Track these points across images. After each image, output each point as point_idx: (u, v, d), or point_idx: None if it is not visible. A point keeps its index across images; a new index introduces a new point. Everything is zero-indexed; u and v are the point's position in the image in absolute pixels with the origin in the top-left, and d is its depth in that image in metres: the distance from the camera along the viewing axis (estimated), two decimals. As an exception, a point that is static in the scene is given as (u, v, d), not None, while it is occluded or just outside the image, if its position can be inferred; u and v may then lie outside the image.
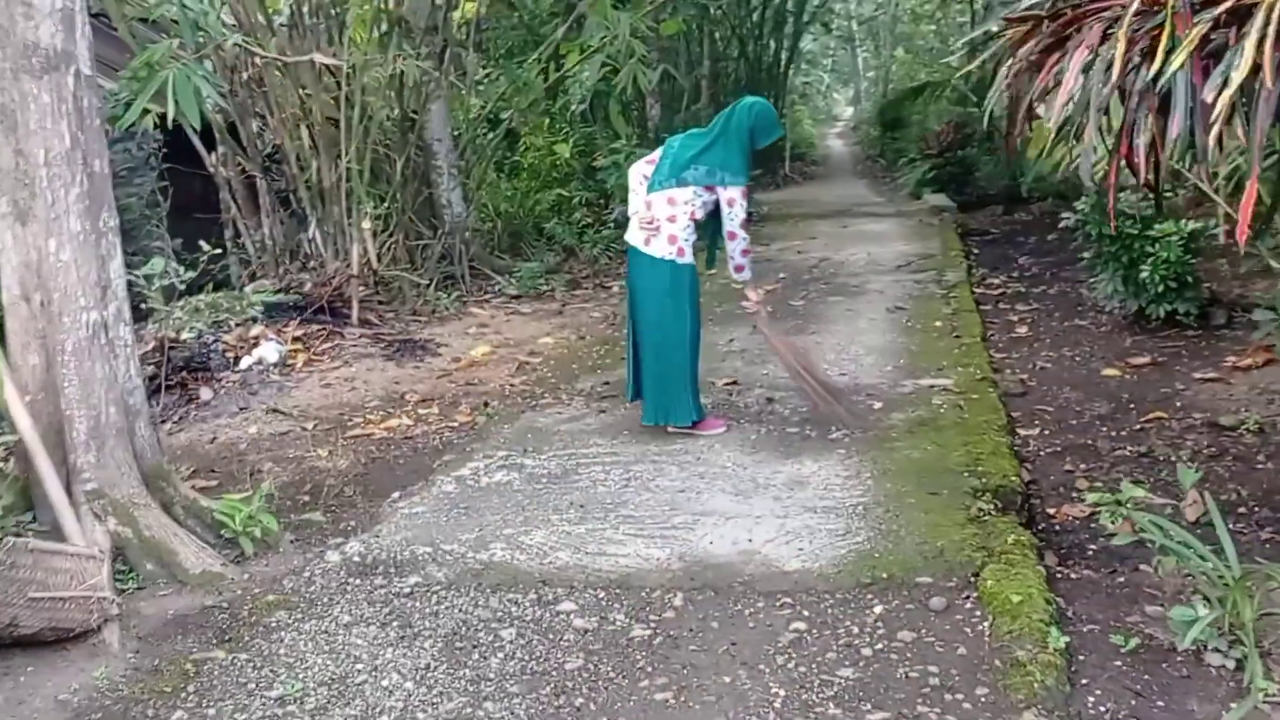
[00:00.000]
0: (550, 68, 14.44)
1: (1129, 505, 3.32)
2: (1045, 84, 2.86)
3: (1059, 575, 3.76)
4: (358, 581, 3.84)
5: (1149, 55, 2.56)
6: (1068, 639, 3.12)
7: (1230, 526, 4.07)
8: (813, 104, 35.86)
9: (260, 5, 8.40)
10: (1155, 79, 2.53)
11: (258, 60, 8.21)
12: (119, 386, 4.01)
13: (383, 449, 5.75)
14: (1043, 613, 3.23)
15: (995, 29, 3.39)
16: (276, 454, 5.75)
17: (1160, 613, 3.31)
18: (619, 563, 3.81)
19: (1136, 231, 6.73)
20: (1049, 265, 10.08)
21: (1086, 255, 7.41)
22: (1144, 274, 6.68)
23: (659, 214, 5.22)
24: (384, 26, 9.75)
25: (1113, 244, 6.84)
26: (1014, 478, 4.47)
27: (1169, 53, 2.49)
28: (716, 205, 5.23)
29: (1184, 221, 6.63)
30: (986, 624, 3.27)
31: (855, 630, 3.30)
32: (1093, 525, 4.30)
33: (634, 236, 5.35)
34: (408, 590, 3.73)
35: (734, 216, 5.20)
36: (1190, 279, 6.75)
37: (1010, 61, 3.15)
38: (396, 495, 4.77)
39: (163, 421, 6.45)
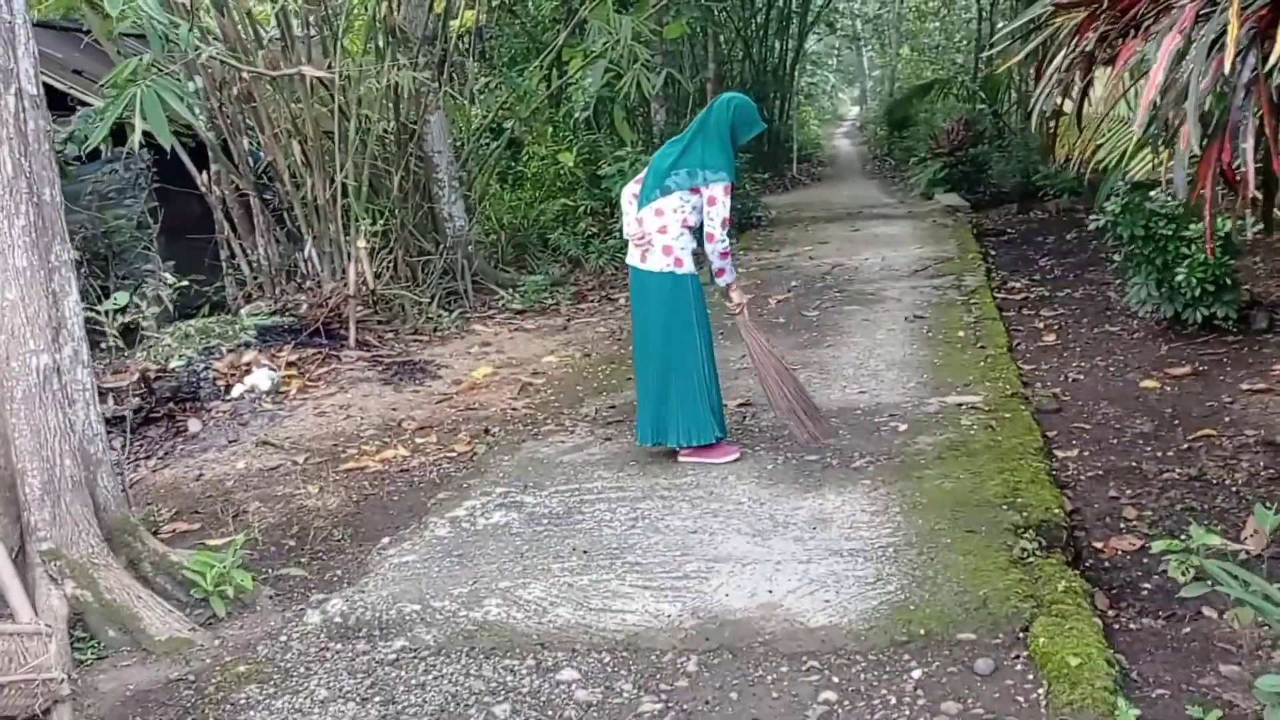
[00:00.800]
0: (553, 75, 14.13)
1: (1201, 552, 2.95)
2: (1118, 78, 2.47)
3: (1115, 625, 3.39)
4: (339, 647, 3.49)
5: (1259, 38, 2.17)
6: (1137, 712, 2.74)
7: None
8: (818, 104, 35.47)
9: (247, 18, 8.08)
10: (1269, 69, 2.13)
11: (245, 75, 7.88)
12: (76, 435, 3.68)
13: (376, 484, 5.41)
14: (1105, 678, 2.86)
15: (1037, 15, 3.00)
16: (264, 492, 5.41)
17: (1238, 673, 2.94)
18: (625, 621, 3.45)
19: (1170, 232, 6.35)
20: (1071, 266, 9.69)
21: (1116, 258, 7.02)
22: (1179, 277, 6.29)
23: (650, 228, 4.94)
24: (379, 38, 9.41)
25: (1145, 246, 6.45)
26: (1057, 510, 4.09)
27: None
28: None
29: (1221, 220, 6.24)
30: (1041, 691, 2.90)
31: (892, 701, 2.93)
32: (1145, 560, 3.94)
33: (632, 257, 5.10)
34: (392, 657, 3.37)
35: (713, 216, 4.88)
36: (1229, 281, 6.36)
37: (1065, 53, 2.76)
38: (386, 540, 4.42)
39: (147, 457, 6.14)
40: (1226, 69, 2.05)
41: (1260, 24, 2.19)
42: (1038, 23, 3.02)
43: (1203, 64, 2.17)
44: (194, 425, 6.46)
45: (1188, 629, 3.32)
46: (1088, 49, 2.66)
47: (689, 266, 4.99)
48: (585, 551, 3.99)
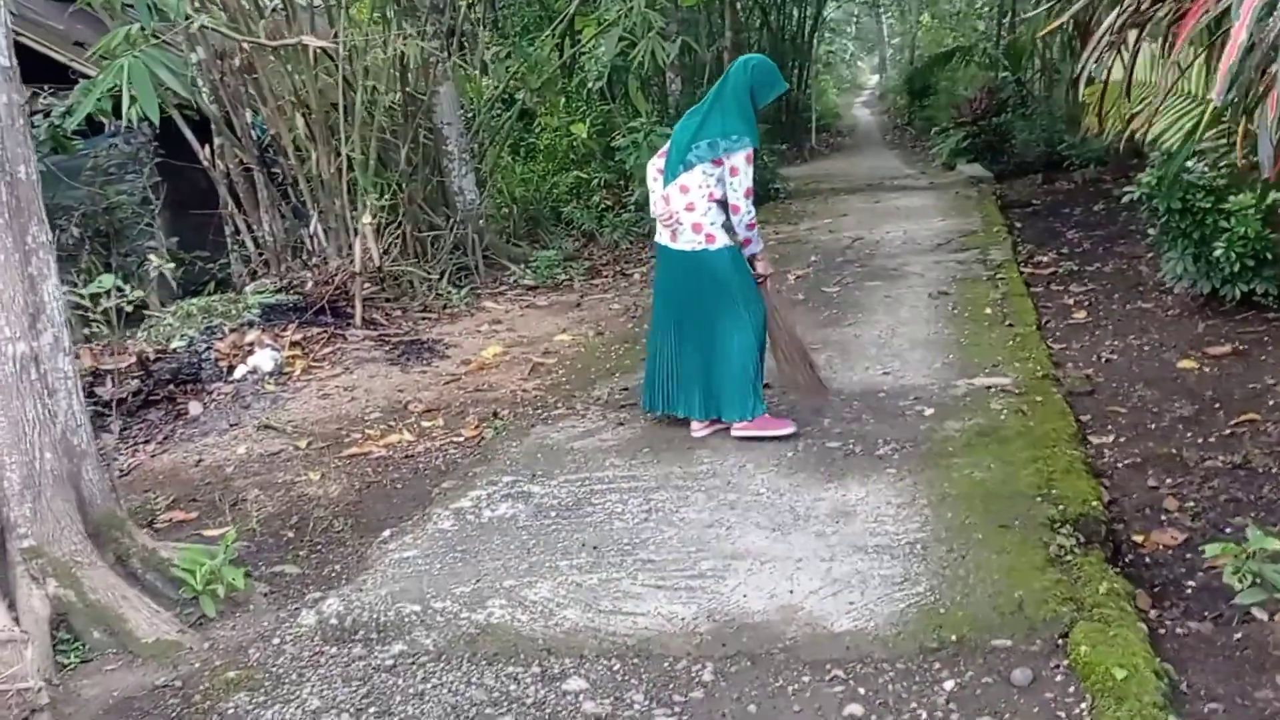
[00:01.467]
0: (565, 44, 13.83)
1: (1259, 557, 2.72)
2: (1184, 34, 2.19)
3: (1160, 630, 3.17)
4: (334, 651, 3.30)
5: None
6: (1192, 732, 2.53)
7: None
8: (837, 73, 35.02)
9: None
10: None
11: (245, 45, 7.65)
12: (58, 427, 3.48)
13: (380, 470, 5.22)
14: (1154, 692, 2.64)
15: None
16: (264, 478, 5.23)
17: (1298, 687, 2.71)
18: (637, 624, 3.24)
19: (1209, 205, 6.06)
20: (1100, 239, 9.38)
21: (1150, 232, 6.73)
22: (1218, 251, 6.01)
23: (676, 206, 4.73)
24: (386, 7, 9.14)
25: (1182, 219, 6.16)
26: (1095, 502, 3.85)
27: None
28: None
29: (1265, 191, 5.94)
30: (1084, 706, 2.68)
31: (923, 715, 2.72)
32: (1188, 556, 3.71)
33: (661, 236, 4.89)
34: (390, 663, 3.18)
35: (735, 186, 4.66)
36: (1269, 255, 6.07)
37: (1117, 12, 2.49)
38: (388, 533, 4.22)
39: (146, 441, 5.97)
40: None
41: None
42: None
43: (1300, 18, 1.91)
44: (195, 408, 6.28)
45: (1239, 634, 3.09)
46: (1143, 7, 2.40)
47: (722, 240, 4.77)
48: (595, 547, 3.78)
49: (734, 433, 4.82)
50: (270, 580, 3.95)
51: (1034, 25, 12.39)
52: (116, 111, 6.43)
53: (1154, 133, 5.55)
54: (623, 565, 3.62)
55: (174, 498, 5.11)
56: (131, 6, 7.95)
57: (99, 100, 4.79)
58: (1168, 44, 2.38)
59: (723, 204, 4.73)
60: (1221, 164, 6.03)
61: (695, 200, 4.69)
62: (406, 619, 3.39)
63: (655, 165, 4.92)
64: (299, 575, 4.02)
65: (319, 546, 4.35)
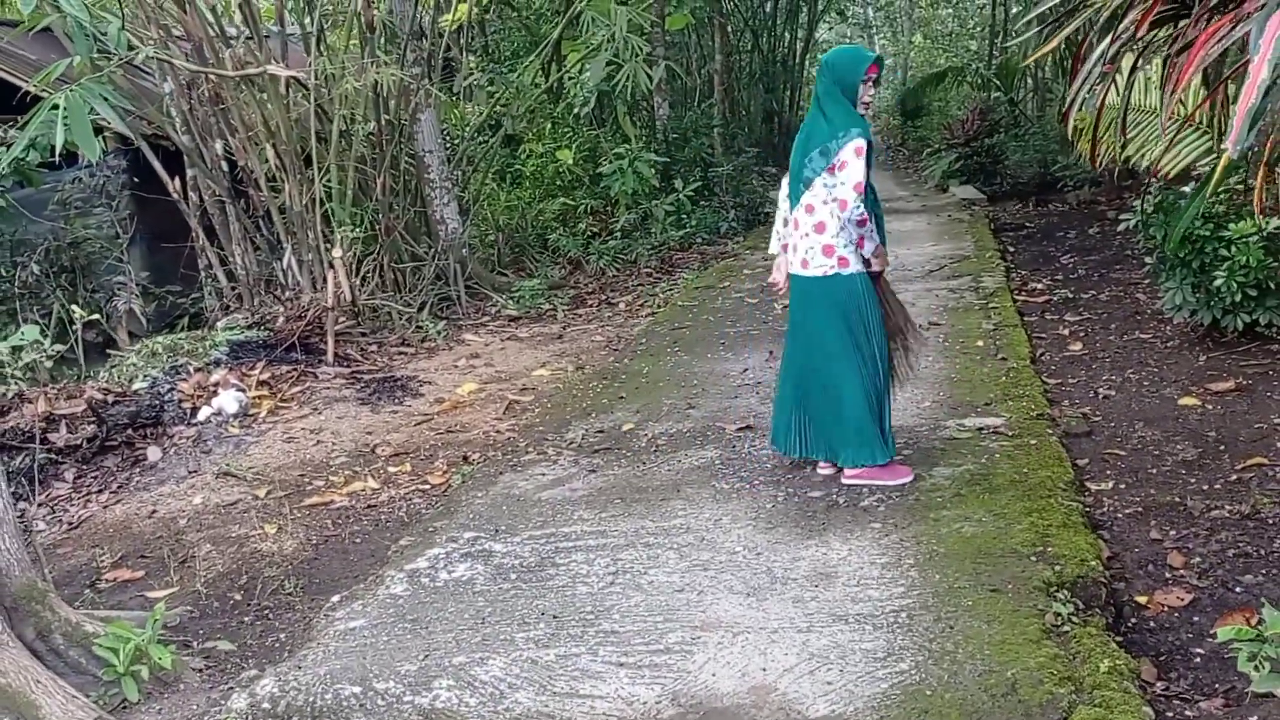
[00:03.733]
0: (551, 69, 13.63)
1: (1276, 641, 2.46)
2: (1191, 66, 1.93)
3: (1169, 712, 2.89)
4: (264, 740, 3.02)
5: None
6: None
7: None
8: (831, 94, 34.74)
9: (209, 15, 7.60)
10: None
11: (211, 76, 7.41)
12: (-32, 494, 3.21)
13: (340, 523, 4.94)
14: (1163, 796, 2.36)
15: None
16: (218, 532, 4.95)
17: (1323, 787, 2.43)
18: (595, 709, 2.95)
19: (1208, 233, 5.81)
20: (1096, 265, 9.16)
21: (1148, 260, 6.49)
22: (1218, 281, 5.76)
23: (806, 227, 4.38)
24: (360, 34, 8.91)
25: (1181, 248, 5.92)
26: (1094, 561, 3.58)
27: None
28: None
29: (1265, 219, 5.70)
30: (1085, 811, 2.40)
31: (906, 822, 2.44)
32: (1195, 619, 3.43)
33: (792, 264, 4.51)
34: (321, 758, 2.91)
35: (844, 180, 4.22)
36: (1272, 284, 5.82)
37: (1110, 39, 2.23)
38: (336, 599, 3.93)
39: (99, 491, 5.69)
40: None
41: None
42: (1070, 5, 2.50)
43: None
44: (153, 454, 6.01)
45: (1255, 717, 2.82)
46: (1139, 35, 2.14)
47: (855, 265, 4.37)
48: (555, 616, 3.50)
49: (845, 479, 4.45)
50: (206, 654, 3.67)
51: (1026, 46, 12.21)
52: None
53: (1149, 159, 5.31)
54: (583, 638, 3.34)
55: (122, 553, 4.84)
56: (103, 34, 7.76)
57: (35, 139, 4.53)
58: (1169, 73, 2.12)
59: (860, 219, 4.28)
60: (1221, 190, 5.79)
61: (824, 219, 4.33)
62: (345, 703, 3.11)
63: (783, 192, 4.60)
64: (238, 648, 3.72)
65: (266, 612, 4.07)
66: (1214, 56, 1.89)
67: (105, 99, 4.29)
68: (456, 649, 3.35)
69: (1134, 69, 2.39)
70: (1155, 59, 2.72)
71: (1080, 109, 2.41)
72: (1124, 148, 5.24)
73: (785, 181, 4.60)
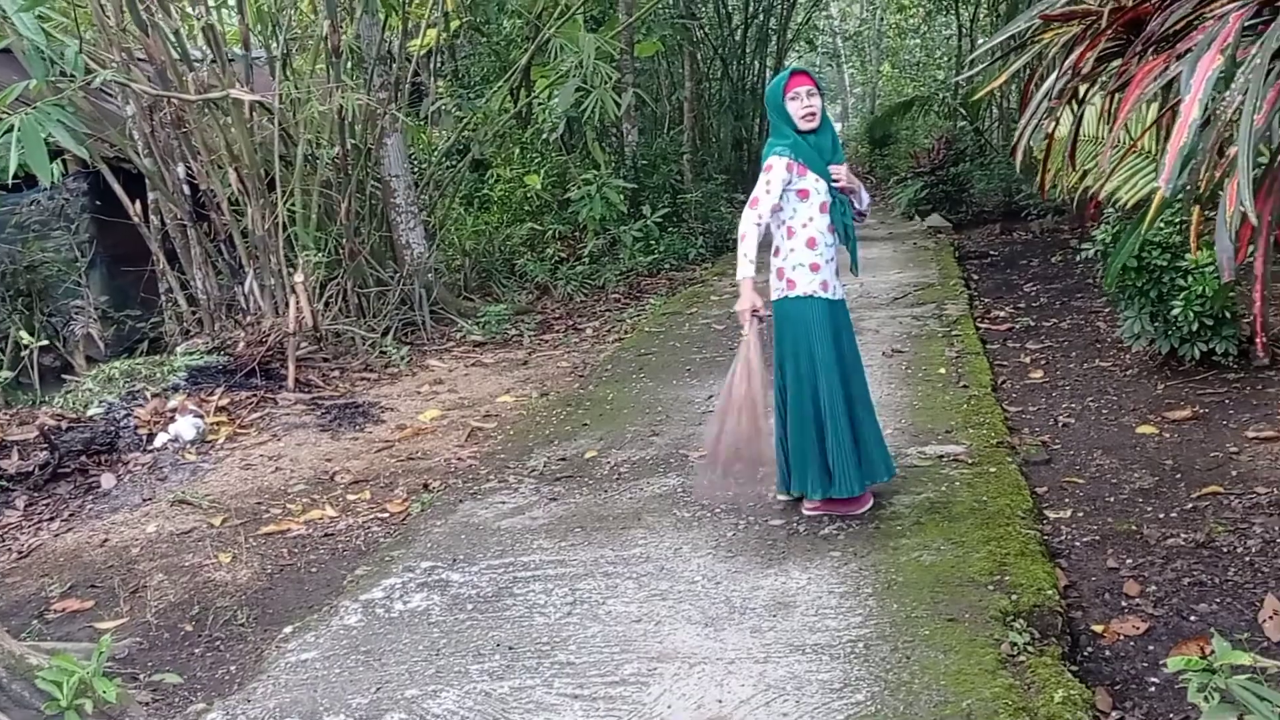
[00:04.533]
0: (520, 95, 13.66)
1: (1225, 672, 2.46)
2: (1128, 105, 1.94)
3: (1123, 742, 2.89)
4: (208, 778, 2.95)
5: None
6: None
7: (1328, 650, 3.23)
8: (799, 122, 35.01)
9: (172, 39, 7.55)
10: None
11: (173, 99, 7.36)
12: (-93, 524, 3.13)
13: (296, 552, 4.87)
14: (1115, 829, 2.35)
15: (1021, 30, 2.49)
16: (171, 561, 4.86)
17: (1274, 817, 2.42)
18: (547, 743, 2.92)
19: (1165, 263, 5.88)
20: (1058, 293, 9.25)
21: (1108, 289, 6.55)
22: (1175, 310, 5.82)
23: (771, 255, 4.34)
24: (326, 58, 8.89)
25: (1138, 277, 5.98)
26: (1050, 590, 3.58)
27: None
28: (822, 201, 4.27)
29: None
30: (1038, 845, 2.39)
31: None
32: (1151, 648, 3.44)
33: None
34: (268, 794, 2.84)
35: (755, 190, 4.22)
36: (1228, 314, 5.89)
37: (1056, 75, 2.25)
38: (289, 630, 3.87)
39: (51, 519, 5.59)
40: None
41: None
42: (1022, 39, 2.53)
43: (1259, 92, 1.64)
44: (107, 481, 5.91)
45: (1208, 747, 2.81)
46: (1084, 70, 2.16)
47: (805, 287, 4.25)
48: (511, 648, 3.46)
49: (804, 510, 4.37)
50: (153, 688, 3.59)
51: (989, 76, 12.38)
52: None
53: (1108, 190, 5.37)
54: (539, 670, 3.29)
55: (72, 583, 4.74)
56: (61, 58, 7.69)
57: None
58: (1113, 107, 2.14)
59: (807, 240, 4.26)
60: (1176, 220, 5.86)
61: (778, 242, 4.30)
62: (293, 738, 3.05)
63: None
64: (187, 680, 3.65)
65: (217, 643, 4.00)
66: (1150, 94, 1.91)
67: (61, 122, 4.24)
68: (409, 681, 3.30)
69: (1083, 102, 2.41)
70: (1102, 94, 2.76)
71: (1029, 143, 2.42)
72: (1082, 179, 5.29)
73: None
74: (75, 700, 3.22)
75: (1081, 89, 2.57)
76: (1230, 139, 1.67)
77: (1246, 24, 1.74)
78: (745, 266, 4.15)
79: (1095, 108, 3.07)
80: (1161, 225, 5.86)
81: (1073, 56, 2.16)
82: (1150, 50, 1.98)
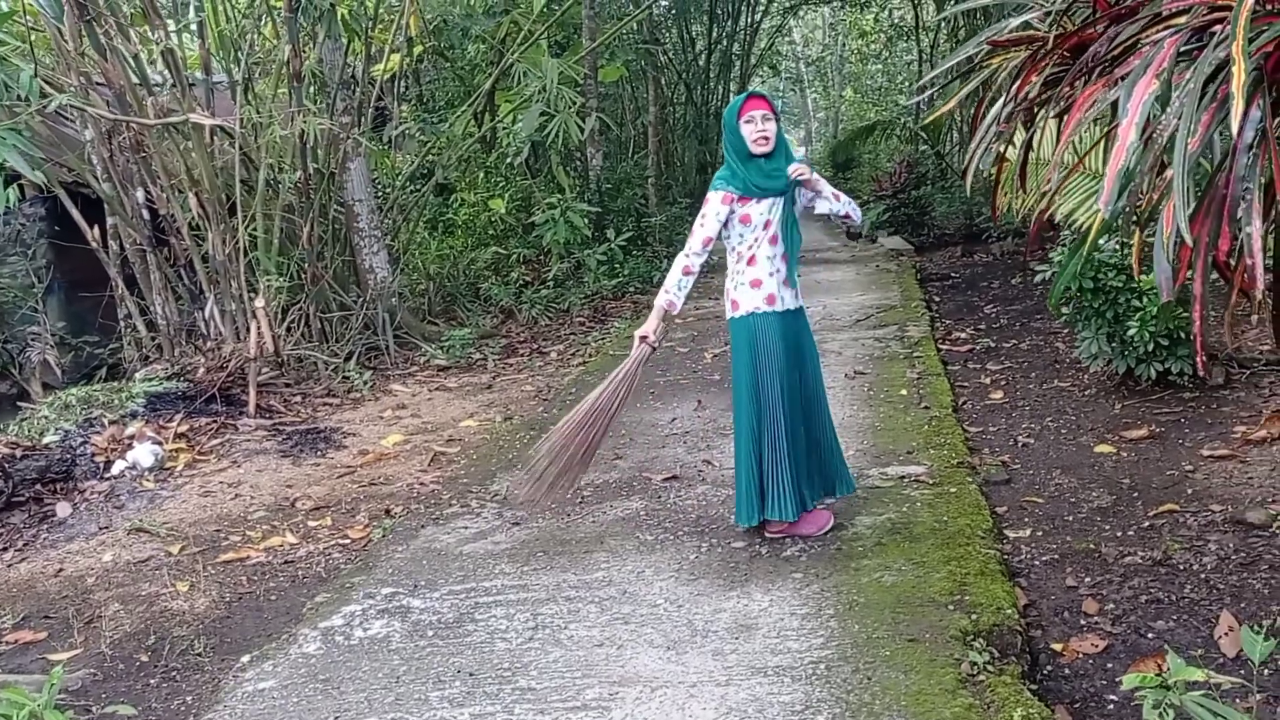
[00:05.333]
0: (484, 119, 13.67)
1: (1179, 688, 2.49)
2: (1069, 129, 1.98)
3: (1082, 760, 2.91)
4: (161, 811, 2.90)
5: (1265, 85, 1.67)
6: None
7: (1281, 664, 3.27)
8: (764, 146, 35.32)
9: (131, 63, 7.51)
10: None
11: (133, 124, 7.31)
12: None
13: (255, 579, 4.81)
14: (1073, 847, 2.36)
15: (969, 56, 2.53)
16: (128, 590, 4.79)
17: (1229, 833, 2.45)
18: (508, 769, 2.90)
19: (1121, 284, 5.97)
20: (1018, 315, 9.35)
21: (1065, 310, 6.63)
22: (1131, 331, 5.91)
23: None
24: (288, 82, 8.86)
25: (1094, 299, 6.07)
26: (1010, 609, 3.61)
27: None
28: (765, 222, 4.28)
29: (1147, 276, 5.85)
30: None
31: None
32: (1109, 666, 3.47)
33: None
34: (222, 827, 2.80)
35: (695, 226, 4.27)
36: (1183, 334, 5.99)
37: (1003, 100, 2.28)
38: (247, 659, 3.82)
39: (4, 549, 5.48)
40: (1235, 125, 1.55)
41: (1265, 65, 1.70)
42: (973, 63, 2.57)
43: (1192, 117, 1.67)
44: (63, 510, 5.82)
45: (1165, 764, 2.84)
46: (1031, 95, 2.19)
47: (747, 306, 4.26)
48: (471, 674, 3.43)
49: (767, 533, 4.37)
50: (106, 720, 3.53)
51: (948, 99, 12.55)
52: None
53: (1063, 212, 5.45)
54: (499, 696, 3.27)
55: (25, 614, 4.65)
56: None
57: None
58: (1064, 132, 2.17)
59: (749, 258, 4.28)
60: (1131, 241, 5.96)
61: (729, 265, 4.33)
62: (249, 768, 3.00)
63: None
64: (141, 712, 3.59)
65: (173, 673, 3.93)
66: (1091, 118, 1.95)
67: (16, 147, 4.19)
68: (368, 710, 3.26)
69: (1030, 126, 2.46)
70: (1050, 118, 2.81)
71: (978, 166, 2.45)
72: (1039, 201, 5.36)
73: None
74: (25, 734, 3.15)
75: (1035, 112, 2.61)
76: (1168, 162, 1.70)
77: (1182, 49, 1.78)
78: (661, 295, 4.27)
79: (1047, 131, 3.11)
80: (1116, 247, 5.96)
81: (1018, 82, 2.20)
82: (1093, 74, 2.02)
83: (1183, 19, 1.83)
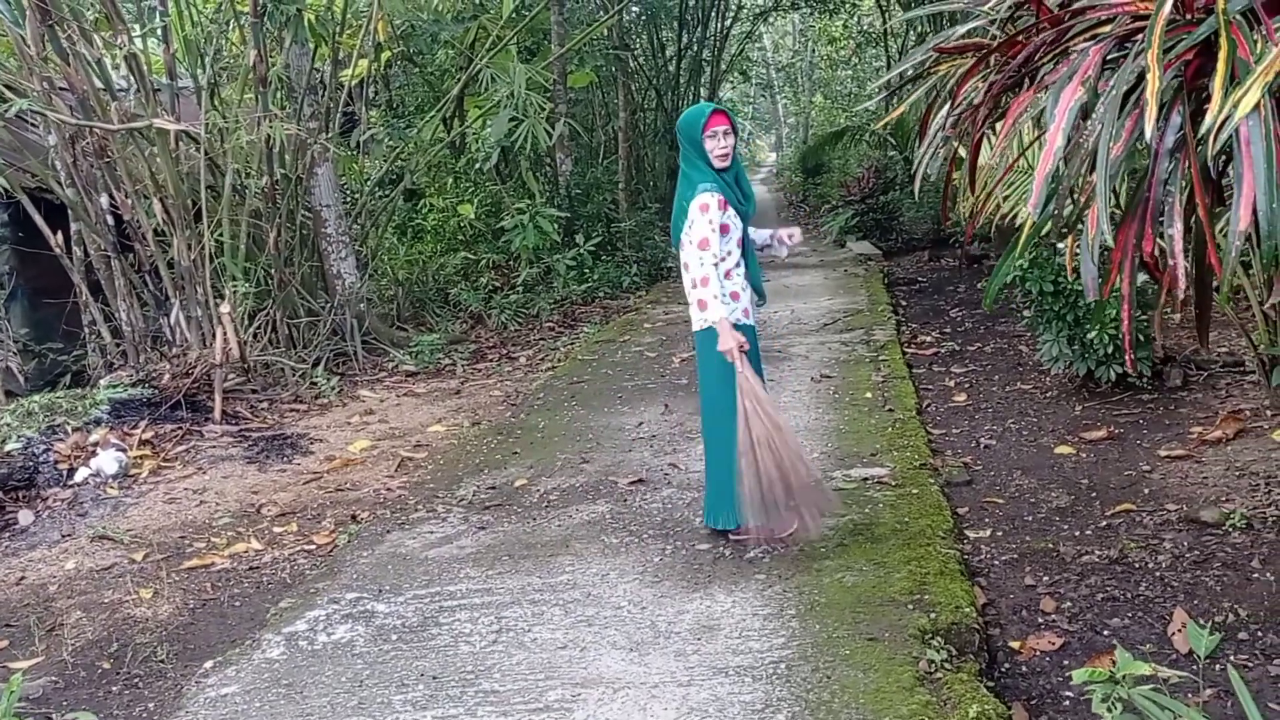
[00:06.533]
0: (453, 124, 13.66)
1: (1127, 683, 2.54)
2: (1004, 134, 2.02)
3: (1036, 755, 2.95)
4: (121, 817, 2.89)
5: (1185, 92, 1.72)
6: None
7: (1232, 659, 3.34)
8: (735, 151, 35.47)
9: (94, 68, 7.46)
10: (1201, 133, 1.65)
11: (96, 129, 7.26)
12: None
13: (219, 586, 4.79)
14: (1025, 840, 2.40)
15: (919, 63, 2.58)
16: (90, 598, 4.76)
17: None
18: (469, 771, 2.91)
19: (1081, 287, 6.05)
20: (982, 318, 9.45)
21: (1026, 313, 6.73)
22: (1091, 334, 6.00)
23: (687, 284, 4.30)
24: (253, 87, 8.83)
25: (1055, 302, 6.16)
26: (968, 609, 3.66)
27: (1228, 90, 1.58)
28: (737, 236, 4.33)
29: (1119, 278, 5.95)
30: None
31: None
32: (1066, 663, 3.52)
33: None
34: (182, 832, 2.79)
35: (690, 241, 4.19)
36: (1142, 337, 6.09)
37: (950, 106, 2.33)
38: (209, 665, 3.81)
39: (-36, 557, 5.43)
40: (1148, 131, 1.61)
41: (1185, 73, 1.75)
42: (921, 70, 2.62)
43: (1114, 123, 1.72)
44: (25, 517, 5.77)
45: (1117, 758, 2.89)
46: (975, 101, 2.24)
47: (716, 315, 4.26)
48: (435, 677, 3.44)
49: (734, 538, 4.40)
50: (67, 727, 3.51)
51: (917, 107, 12.68)
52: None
53: (1023, 215, 5.52)
54: (462, 699, 3.28)
55: (-14, 623, 4.61)
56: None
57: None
58: (999, 139, 2.22)
59: (726, 271, 4.29)
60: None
61: (693, 275, 4.24)
62: (210, 774, 3.00)
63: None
64: (103, 719, 3.57)
65: (135, 680, 3.91)
66: (1024, 124, 2.00)
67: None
68: (331, 714, 3.26)
69: (980, 131, 2.50)
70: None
71: (926, 170, 2.50)
72: (984, 202, 5.45)
73: None
74: (-16, 742, 3.14)
75: (980, 119, 2.66)
76: (1090, 168, 1.75)
77: (1110, 57, 1.83)
78: (718, 308, 4.18)
79: (976, 140, 3.16)
80: (1079, 250, 6.04)
81: (969, 85, 2.25)
82: (1025, 82, 2.07)
83: (1108, 28, 1.89)
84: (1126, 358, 2.15)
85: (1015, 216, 5.48)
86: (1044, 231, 2.04)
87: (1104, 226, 1.71)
